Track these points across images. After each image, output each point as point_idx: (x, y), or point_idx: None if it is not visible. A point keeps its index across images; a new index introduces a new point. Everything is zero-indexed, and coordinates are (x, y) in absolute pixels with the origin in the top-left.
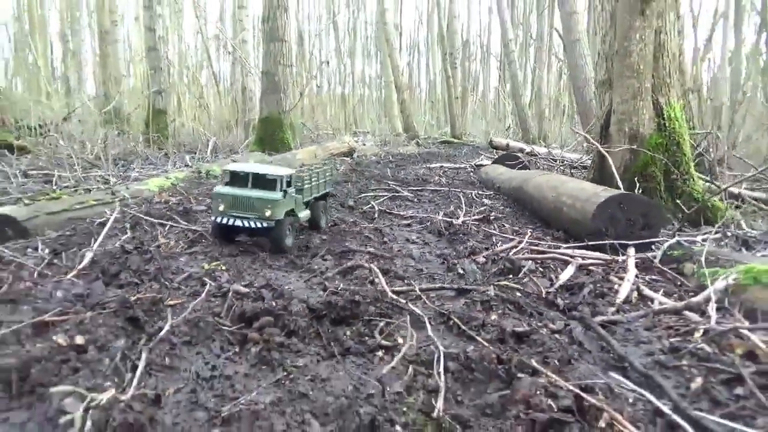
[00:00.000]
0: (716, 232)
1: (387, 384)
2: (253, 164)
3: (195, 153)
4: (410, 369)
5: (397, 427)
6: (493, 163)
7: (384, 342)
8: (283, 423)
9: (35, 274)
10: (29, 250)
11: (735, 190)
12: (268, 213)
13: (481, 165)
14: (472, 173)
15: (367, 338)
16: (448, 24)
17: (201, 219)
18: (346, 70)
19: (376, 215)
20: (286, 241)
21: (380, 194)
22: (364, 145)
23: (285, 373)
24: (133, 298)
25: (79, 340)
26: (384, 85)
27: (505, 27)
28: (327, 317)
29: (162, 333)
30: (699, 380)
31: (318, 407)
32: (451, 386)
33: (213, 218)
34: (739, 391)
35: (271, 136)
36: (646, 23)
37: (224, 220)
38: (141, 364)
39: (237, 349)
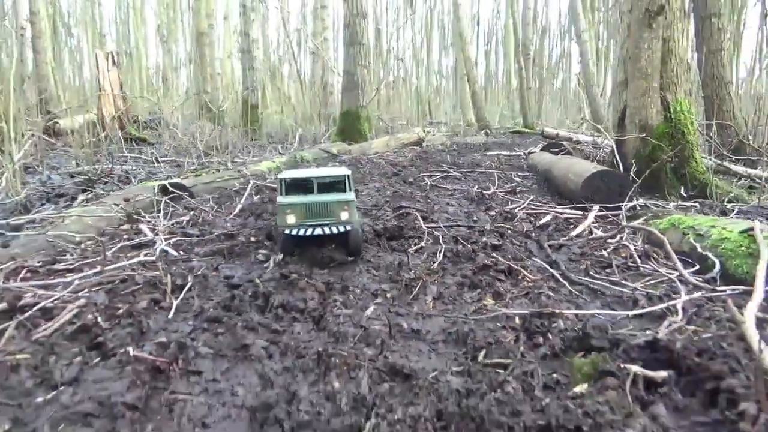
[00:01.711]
0: (692, 201)
1: (411, 260)
2: (305, 170)
3: (284, 143)
4: (425, 254)
5: (412, 270)
6: (541, 150)
7: (414, 247)
8: (359, 269)
9: (210, 215)
10: (197, 203)
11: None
12: (345, 216)
13: (533, 152)
14: (524, 160)
15: (405, 245)
16: (522, 15)
17: None
18: (421, 64)
19: (428, 188)
20: (361, 244)
21: (435, 174)
22: (434, 135)
23: (360, 257)
24: (273, 224)
25: (252, 239)
26: (459, 76)
27: (578, 18)
28: (384, 235)
29: None
30: (586, 265)
31: (375, 265)
32: (445, 262)
33: (284, 232)
34: (607, 270)
35: (350, 128)
36: (653, 34)
37: (301, 232)
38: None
39: (333, 247)
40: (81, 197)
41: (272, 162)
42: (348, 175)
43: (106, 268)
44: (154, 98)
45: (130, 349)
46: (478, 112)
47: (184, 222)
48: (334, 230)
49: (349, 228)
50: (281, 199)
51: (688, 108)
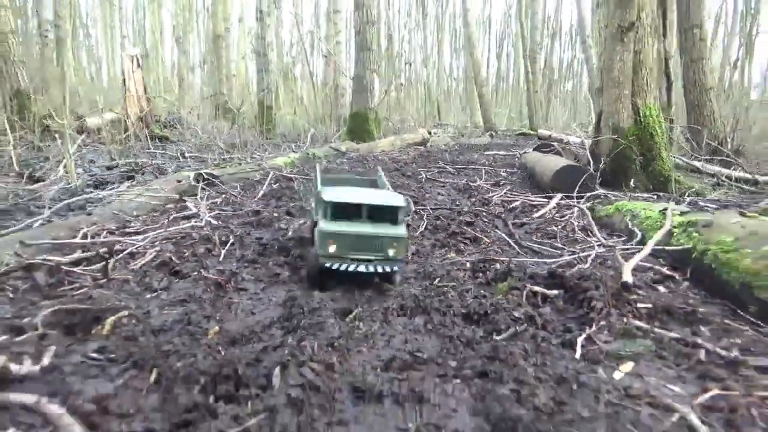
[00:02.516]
0: (654, 193)
1: None
2: (355, 191)
3: (297, 142)
4: (411, 227)
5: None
6: (533, 150)
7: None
8: None
9: (239, 197)
10: (226, 189)
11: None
12: (392, 253)
13: (526, 152)
14: (517, 159)
15: None
16: (530, 20)
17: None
18: (431, 67)
19: (423, 181)
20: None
21: (432, 169)
22: (439, 136)
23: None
24: (291, 205)
25: (275, 215)
26: (468, 79)
27: (583, 24)
28: None
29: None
30: (537, 236)
31: None
32: (425, 232)
33: (323, 264)
34: (552, 239)
35: (359, 129)
36: (625, 47)
37: (342, 267)
38: (297, 223)
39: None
40: (126, 184)
41: (287, 158)
42: (401, 207)
43: (169, 229)
44: (172, 98)
45: (202, 271)
46: (484, 114)
47: (219, 202)
48: (379, 269)
49: (396, 268)
50: (324, 225)
51: (657, 113)
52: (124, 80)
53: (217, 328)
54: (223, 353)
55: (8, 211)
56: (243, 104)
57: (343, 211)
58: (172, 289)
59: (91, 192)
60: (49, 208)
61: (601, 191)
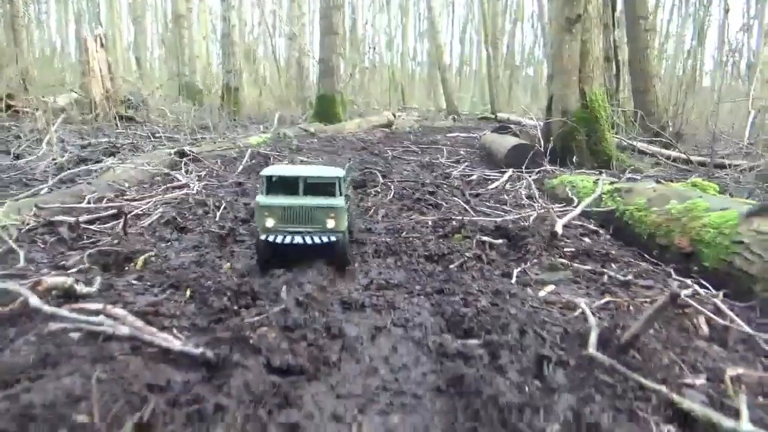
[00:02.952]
0: (597, 170)
1: (370, 198)
2: (295, 167)
3: (264, 123)
4: (380, 195)
5: (370, 202)
6: (492, 132)
7: (374, 192)
8: None
9: (220, 172)
10: (209, 164)
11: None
12: (331, 224)
13: (485, 134)
14: (477, 140)
15: (368, 191)
16: (492, 6)
17: (286, 155)
18: (396, 51)
19: (390, 158)
20: (349, 256)
21: (398, 149)
22: (403, 118)
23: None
24: None
25: (257, 186)
26: (431, 63)
27: (543, 11)
28: (352, 186)
29: None
30: (489, 203)
31: None
32: (393, 199)
33: (261, 237)
34: (502, 205)
35: (326, 111)
36: (573, 37)
37: (278, 239)
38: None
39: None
40: (110, 160)
41: (260, 137)
42: (340, 178)
43: (165, 196)
44: (131, 79)
45: (205, 226)
46: (447, 98)
47: (203, 175)
48: (316, 240)
49: (333, 239)
50: (261, 198)
51: (602, 97)
52: (85, 60)
53: (229, 264)
54: (237, 279)
55: (4, 184)
56: (213, 86)
57: (280, 186)
58: (183, 240)
59: (85, 165)
60: (52, 178)
61: (549, 167)
